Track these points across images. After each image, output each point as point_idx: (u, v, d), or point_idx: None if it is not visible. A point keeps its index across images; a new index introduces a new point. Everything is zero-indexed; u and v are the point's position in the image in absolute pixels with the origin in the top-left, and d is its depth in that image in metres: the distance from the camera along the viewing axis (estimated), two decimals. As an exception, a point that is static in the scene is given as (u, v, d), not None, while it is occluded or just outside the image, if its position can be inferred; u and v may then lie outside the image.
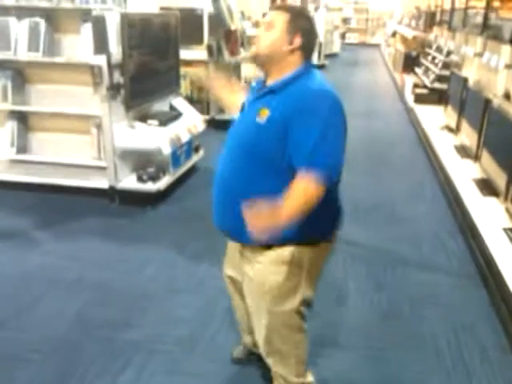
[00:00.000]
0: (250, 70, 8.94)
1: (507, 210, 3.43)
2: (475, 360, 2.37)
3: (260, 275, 1.71)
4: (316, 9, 14.51)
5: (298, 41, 1.64)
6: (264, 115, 1.60)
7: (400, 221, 3.96)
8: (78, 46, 3.97)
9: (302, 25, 1.65)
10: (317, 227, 1.65)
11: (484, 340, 2.51)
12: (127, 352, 2.35)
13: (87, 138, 4.15)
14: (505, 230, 3.20)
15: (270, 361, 1.89)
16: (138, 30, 3.88)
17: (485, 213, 3.52)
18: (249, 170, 1.64)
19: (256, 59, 1.71)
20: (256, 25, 9.31)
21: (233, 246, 1.90)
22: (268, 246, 1.66)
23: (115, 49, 3.75)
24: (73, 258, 3.22)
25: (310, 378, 1.95)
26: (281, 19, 1.65)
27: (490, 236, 3.16)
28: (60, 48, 4.12)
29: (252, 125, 1.63)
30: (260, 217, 1.44)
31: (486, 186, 3.95)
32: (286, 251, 1.66)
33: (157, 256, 3.27)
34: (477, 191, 3.94)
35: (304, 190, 1.51)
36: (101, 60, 3.66)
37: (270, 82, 1.68)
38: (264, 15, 9.45)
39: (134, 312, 2.66)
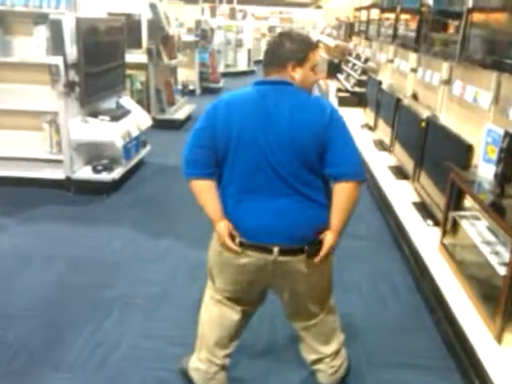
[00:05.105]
0: (184, 74, 9.41)
1: (415, 189, 4.14)
2: (388, 295, 3.01)
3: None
4: (244, 17, 15.19)
5: None
6: None
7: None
8: (29, 47, 4.27)
9: None
10: None
11: (396, 283, 3.17)
12: (107, 305, 2.75)
13: (39, 134, 4.42)
14: (413, 203, 3.92)
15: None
16: (91, 32, 4.24)
17: (397, 192, 4.23)
18: None
19: None
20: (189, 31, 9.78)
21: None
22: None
23: (69, 49, 4.09)
24: (41, 239, 3.52)
25: None
26: None
27: (401, 209, 3.85)
28: (10, 49, 4.39)
29: None
30: None
31: (399, 172, 4.67)
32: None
33: (120, 234, 3.65)
34: (391, 176, 4.66)
35: None
36: (58, 60, 3.99)
37: None
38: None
39: (107, 278, 3.04)
